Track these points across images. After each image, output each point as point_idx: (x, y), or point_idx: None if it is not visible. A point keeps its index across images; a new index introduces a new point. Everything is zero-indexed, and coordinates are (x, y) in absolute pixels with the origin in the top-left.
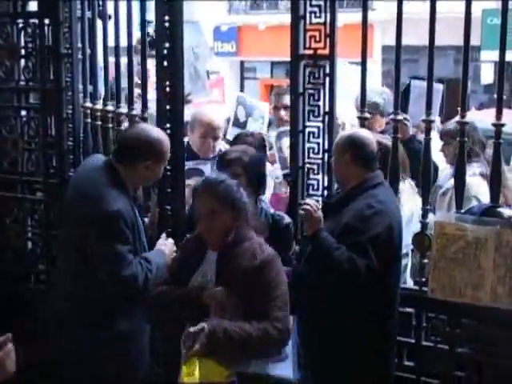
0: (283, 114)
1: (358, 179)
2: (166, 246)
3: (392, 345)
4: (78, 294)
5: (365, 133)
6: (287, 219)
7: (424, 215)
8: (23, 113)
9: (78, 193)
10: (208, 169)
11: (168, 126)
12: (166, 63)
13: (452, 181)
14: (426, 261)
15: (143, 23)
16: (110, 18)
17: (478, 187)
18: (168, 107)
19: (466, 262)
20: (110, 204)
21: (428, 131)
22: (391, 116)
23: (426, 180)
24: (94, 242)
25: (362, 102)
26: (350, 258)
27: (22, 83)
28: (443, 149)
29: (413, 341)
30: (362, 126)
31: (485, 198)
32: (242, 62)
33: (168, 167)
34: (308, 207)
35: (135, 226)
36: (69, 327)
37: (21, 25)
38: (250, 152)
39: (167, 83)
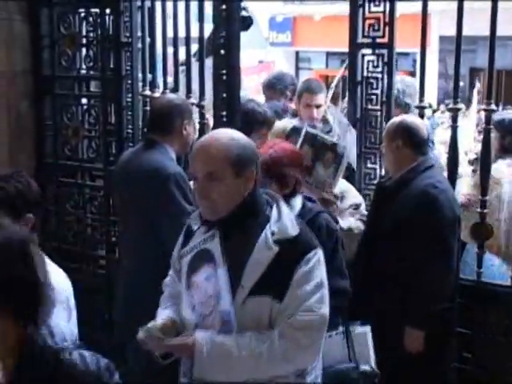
0: (315, 112)
1: (411, 163)
2: None
3: (452, 335)
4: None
5: (414, 118)
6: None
7: (482, 206)
8: (84, 101)
9: (134, 174)
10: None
11: (224, 113)
12: (222, 51)
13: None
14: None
15: (201, 14)
16: None
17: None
18: (224, 95)
19: None
20: (169, 168)
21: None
22: (449, 105)
23: (485, 168)
24: (165, 204)
25: (422, 92)
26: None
27: (83, 72)
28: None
29: (470, 332)
30: (421, 115)
31: None
32: (296, 53)
33: None
34: None
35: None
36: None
37: (82, 14)
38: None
39: (223, 71)
